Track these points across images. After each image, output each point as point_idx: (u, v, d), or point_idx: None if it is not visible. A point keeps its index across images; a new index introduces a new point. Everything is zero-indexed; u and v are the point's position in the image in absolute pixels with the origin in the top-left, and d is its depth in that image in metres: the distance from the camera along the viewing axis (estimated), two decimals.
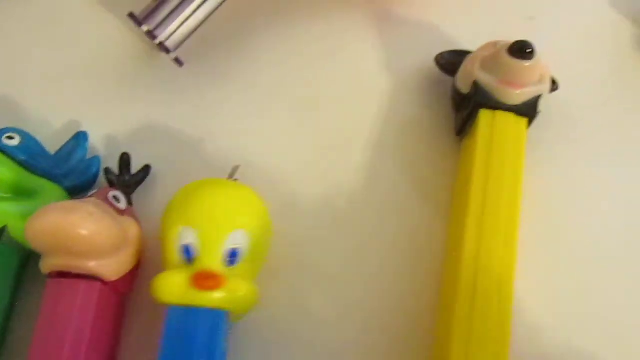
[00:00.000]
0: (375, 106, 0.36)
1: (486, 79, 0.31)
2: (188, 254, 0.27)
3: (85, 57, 0.36)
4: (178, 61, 0.34)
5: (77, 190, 0.32)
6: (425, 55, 0.36)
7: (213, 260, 0.27)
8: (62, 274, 0.27)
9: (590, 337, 0.30)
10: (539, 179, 0.33)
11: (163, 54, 0.34)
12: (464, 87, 0.33)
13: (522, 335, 0.29)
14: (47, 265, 0.27)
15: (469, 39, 0.35)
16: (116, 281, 0.28)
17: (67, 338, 0.26)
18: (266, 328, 0.30)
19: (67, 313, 0.27)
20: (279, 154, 0.35)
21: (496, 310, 0.27)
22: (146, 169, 0.33)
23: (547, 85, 0.32)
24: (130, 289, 0.30)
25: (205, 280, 0.26)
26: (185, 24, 0.34)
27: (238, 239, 0.27)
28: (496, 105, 0.31)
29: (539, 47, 0.31)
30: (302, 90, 0.36)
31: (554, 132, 0.35)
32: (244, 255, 0.28)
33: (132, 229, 0.29)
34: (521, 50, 0.30)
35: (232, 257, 0.27)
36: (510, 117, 0.32)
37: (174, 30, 0.33)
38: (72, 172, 0.32)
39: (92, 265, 0.27)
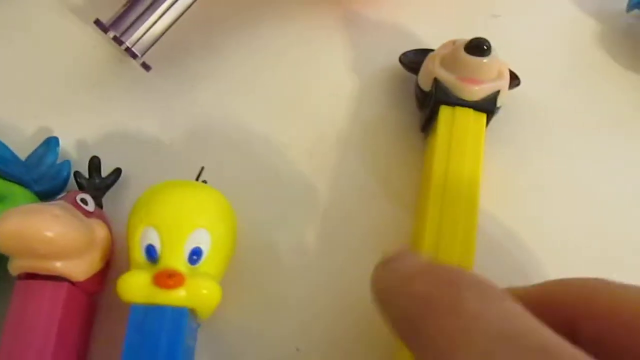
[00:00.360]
0: (342, 106, 0.37)
1: (445, 76, 0.32)
2: (151, 254, 0.28)
3: (54, 63, 0.37)
4: (145, 66, 0.35)
5: (48, 194, 0.32)
6: (391, 55, 0.37)
7: (175, 260, 0.27)
8: (31, 276, 0.28)
9: None
10: (498, 172, 0.34)
11: (132, 59, 0.35)
12: (426, 85, 0.34)
13: None
14: (15, 267, 0.28)
15: (434, 38, 0.36)
16: (85, 282, 0.29)
17: (34, 339, 0.27)
18: (233, 325, 0.31)
19: (35, 314, 0.27)
20: (247, 157, 0.35)
21: None
22: (117, 172, 0.34)
23: (506, 81, 0.33)
24: (99, 290, 0.30)
25: (166, 278, 0.27)
26: (152, 29, 0.34)
27: (200, 238, 0.28)
28: (456, 102, 0.32)
29: (502, 44, 0.32)
30: (270, 92, 0.37)
31: (514, 126, 0.35)
32: (206, 254, 0.28)
33: (99, 230, 0.30)
34: (478, 47, 0.31)
35: (195, 256, 0.28)
36: (469, 113, 0.32)
37: (141, 35, 0.34)
38: (42, 177, 0.33)
39: (59, 266, 0.28)
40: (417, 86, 0.35)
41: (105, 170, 0.33)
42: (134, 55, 0.34)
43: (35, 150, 0.34)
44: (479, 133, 0.32)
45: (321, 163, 0.35)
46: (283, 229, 0.33)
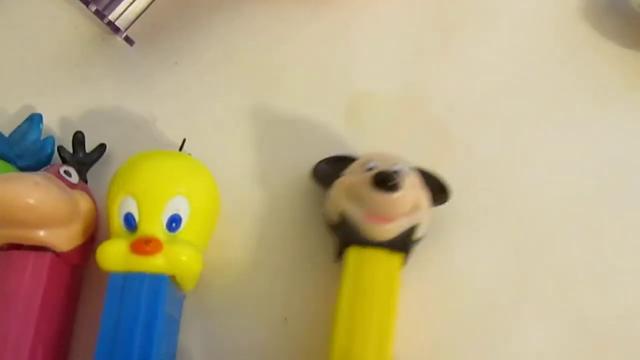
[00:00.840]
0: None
1: (352, 212, 0.28)
2: (130, 223, 0.27)
3: (37, 43, 0.37)
4: (128, 40, 0.34)
5: (32, 170, 0.32)
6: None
7: (153, 227, 0.27)
8: (14, 247, 0.28)
9: None
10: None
11: (115, 38, 0.34)
12: (333, 216, 0.29)
13: None
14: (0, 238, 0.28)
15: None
16: (69, 253, 0.28)
17: (17, 308, 0.27)
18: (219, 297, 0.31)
19: (18, 284, 0.27)
20: (230, 131, 0.35)
21: None
22: (101, 148, 0.33)
23: (424, 211, 0.28)
24: (84, 263, 0.30)
25: (143, 245, 0.26)
26: (135, 4, 0.34)
27: (178, 205, 0.28)
28: (365, 242, 0.28)
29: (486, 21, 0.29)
30: (251, 69, 0.37)
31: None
32: (185, 221, 0.28)
33: (83, 202, 0.29)
34: (384, 182, 0.27)
35: (173, 223, 0.28)
36: (381, 255, 0.28)
37: (124, 9, 0.34)
38: (26, 152, 0.33)
39: (42, 235, 0.27)
40: (325, 214, 0.30)
41: (89, 148, 0.33)
42: (117, 30, 0.34)
43: (19, 126, 0.34)
44: (392, 278, 0.28)
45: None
46: (267, 201, 0.33)
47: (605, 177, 0.33)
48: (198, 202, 0.28)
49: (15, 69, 0.36)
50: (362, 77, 0.36)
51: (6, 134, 0.33)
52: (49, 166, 0.31)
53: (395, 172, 0.27)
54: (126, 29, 0.34)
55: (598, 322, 0.30)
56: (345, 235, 0.28)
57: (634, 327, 0.30)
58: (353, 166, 0.30)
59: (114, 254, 0.27)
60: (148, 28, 0.36)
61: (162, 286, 0.27)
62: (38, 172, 0.29)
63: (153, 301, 0.26)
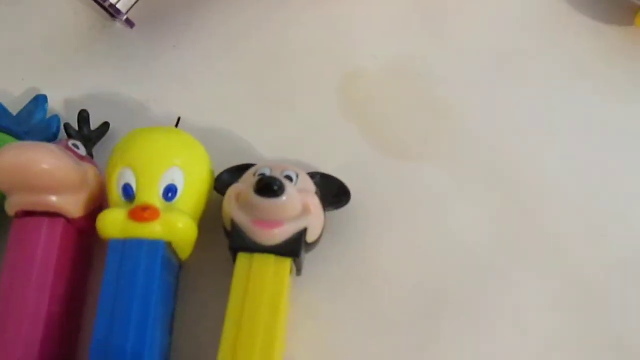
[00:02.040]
0: None
1: (241, 219, 0.29)
2: (128, 193, 0.29)
3: (42, 28, 0.39)
4: (129, 22, 0.36)
5: None
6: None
7: (150, 196, 0.29)
8: (28, 214, 0.30)
9: None
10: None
11: (114, 23, 0.36)
12: (226, 223, 0.30)
13: None
14: (12, 204, 0.29)
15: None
16: (79, 219, 0.30)
17: (33, 272, 0.28)
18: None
19: (33, 248, 0.29)
20: (229, 112, 0.36)
21: None
22: (105, 125, 0.35)
23: (315, 214, 0.29)
24: (93, 230, 0.32)
25: (141, 211, 0.28)
26: None
27: (173, 176, 0.29)
28: (253, 247, 0.29)
29: None
30: (249, 51, 0.38)
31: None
32: (181, 191, 0.29)
33: (91, 172, 0.31)
34: (266, 188, 0.27)
35: (169, 192, 0.29)
36: (269, 260, 0.29)
37: None
38: (33, 130, 0.34)
39: (55, 200, 0.29)
40: (223, 223, 0.30)
41: (93, 127, 0.35)
42: (118, 12, 0.35)
43: (25, 106, 0.35)
44: (280, 282, 0.28)
45: None
46: None
47: (593, 137, 0.36)
48: (192, 173, 0.30)
49: (18, 53, 0.38)
50: (357, 54, 0.38)
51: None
52: (57, 140, 0.33)
53: (276, 178, 0.28)
54: (127, 12, 0.36)
55: (590, 275, 0.32)
56: (236, 242, 0.29)
57: (626, 277, 0.32)
58: (246, 174, 0.31)
59: (113, 222, 0.28)
60: (147, 11, 0.37)
61: (159, 251, 0.28)
62: (49, 143, 0.30)
63: (151, 265, 0.28)
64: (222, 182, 0.32)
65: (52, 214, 0.29)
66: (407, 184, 0.35)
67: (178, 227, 0.29)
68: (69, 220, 0.30)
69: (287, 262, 0.29)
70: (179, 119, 0.34)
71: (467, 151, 0.35)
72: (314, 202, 0.29)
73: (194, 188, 0.30)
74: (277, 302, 0.28)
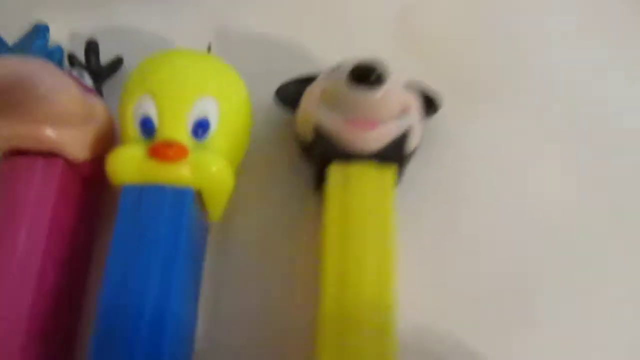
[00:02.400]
0: None
1: (329, 121, 0.23)
2: (147, 127, 0.23)
3: None
4: None
5: None
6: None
7: (176, 131, 0.22)
8: (19, 153, 0.23)
9: None
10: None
11: None
12: (306, 134, 0.24)
13: None
14: (1, 138, 0.23)
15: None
16: (83, 165, 0.24)
17: (24, 220, 0.22)
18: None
19: (25, 193, 0.22)
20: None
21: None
22: (118, 61, 0.29)
23: (414, 115, 0.24)
24: (100, 178, 0.25)
25: (165, 148, 0.22)
26: None
27: (206, 108, 0.23)
28: (348, 155, 0.23)
29: None
30: None
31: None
32: (215, 127, 0.23)
33: (99, 108, 0.25)
34: (363, 76, 0.22)
35: (200, 129, 0.23)
36: (369, 169, 0.23)
37: None
38: None
39: (51, 134, 0.22)
40: (297, 135, 0.25)
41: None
42: None
43: (23, 36, 0.29)
44: (385, 194, 0.23)
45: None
46: None
47: None
48: (230, 106, 0.23)
49: None
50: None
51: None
52: None
53: (375, 62, 0.22)
54: None
55: None
56: (324, 153, 0.23)
57: None
58: (322, 73, 0.25)
59: (128, 161, 0.22)
60: None
61: (187, 201, 0.22)
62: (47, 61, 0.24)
63: (176, 218, 0.21)
64: (289, 93, 0.26)
65: (49, 154, 0.23)
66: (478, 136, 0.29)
67: (211, 171, 0.22)
68: (69, 163, 0.23)
69: (390, 171, 0.23)
70: (210, 45, 0.27)
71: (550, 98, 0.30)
72: (414, 99, 0.24)
73: (230, 125, 0.23)
74: (386, 220, 0.22)
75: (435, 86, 0.27)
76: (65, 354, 0.23)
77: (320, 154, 0.24)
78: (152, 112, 0.23)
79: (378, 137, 0.23)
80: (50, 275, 0.22)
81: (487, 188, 0.28)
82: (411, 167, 0.26)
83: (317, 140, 0.23)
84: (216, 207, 0.24)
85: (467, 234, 0.26)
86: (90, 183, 0.25)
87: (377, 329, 0.21)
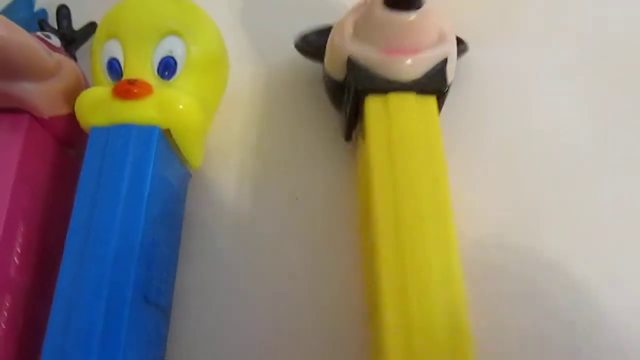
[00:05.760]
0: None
1: (363, 52, 0.22)
2: (113, 68, 0.22)
3: None
4: None
5: None
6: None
7: (141, 70, 0.22)
8: None
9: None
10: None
11: None
12: (337, 72, 0.23)
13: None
14: None
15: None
16: (52, 120, 0.23)
17: None
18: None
19: None
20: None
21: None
22: (92, 25, 0.29)
23: (452, 43, 0.22)
24: (75, 140, 0.25)
25: (128, 85, 0.21)
26: None
27: (171, 46, 0.22)
28: (386, 86, 0.22)
29: None
30: None
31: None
32: (182, 66, 0.22)
33: (68, 65, 0.24)
34: None
35: (167, 70, 0.22)
36: (409, 99, 0.22)
37: None
38: None
39: (14, 90, 0.22)
40: (327, 76, 0.24)
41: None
42: None
43: (9, 3, 0.29)
44: (431, 125, 0.21)
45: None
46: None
47: None
48: (198, 45, 0.23)
49: None
50: None
51: None
52: None
53: None
54: None
55: None
56: (359, 87, 0.22)
57: None
58: (350, 10, 0.23)
59: (93, 103, 0.22)
60: None
61: (153, 138, 0.21)
62: None
63: (142, 157, 0.21)
64: (309, 41, 0.25)
65: (15, 110, 0.23)
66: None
67: (178, 109, 0.22)
68: (37, 120, 0.23)
69: (432, 100, 0.22)
70: None
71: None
72: (450, 26, 0.22)
73: (200, 64, 0.23)
74: (435, 149, 0.21)
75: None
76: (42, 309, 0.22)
77: (355, 91, 0.22)
78: (118, 54, 0.22)
79: (417, 64, 0.22)
80: (19, 229, 0.22)
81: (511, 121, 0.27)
82: None
83: (351, 74, 0.22)
84: (190, 149, 0.23)
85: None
86: (69, 144, 0.25)
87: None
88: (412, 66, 0.22)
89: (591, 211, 0.25)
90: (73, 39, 0.28)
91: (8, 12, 0.29)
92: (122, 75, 0.22)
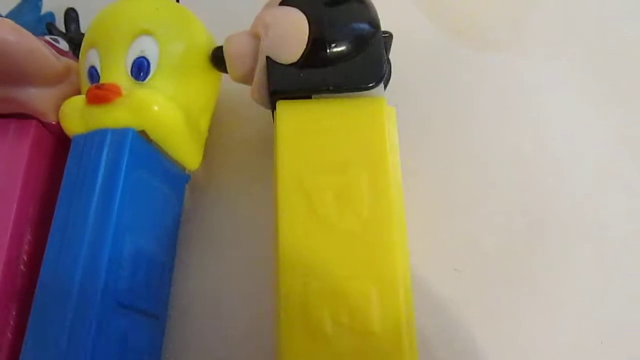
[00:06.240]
0: None
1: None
2: (92, 77, 0.23)
3: None
4: None
5: None
6: None
7: (114, 74, 0.22)
8: None
9: None
10: None
11: None
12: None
13: None
14: None
15: None
16: (60, 127, 0.23)
17: None
18: None
19: None
20: None
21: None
22: None
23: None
24: None
25: (95, 90, 0.21)
26: None
27: (143, 46, 0.22)
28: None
29: None
30: None
31: None
32: (156, 66, 0.22)
33: (76, 69, 0.25)
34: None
35: (141, 71, 0.22)
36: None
37: None
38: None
39: (21, 96, 0.23)
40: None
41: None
42: None
43: (16, 6, 0.30)
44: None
45: None
46: None
47: None
48: (173, 43, 0.23)
49: None
50: None
51: None
52: None
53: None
54: None
55: None
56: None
57: None
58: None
59: (71, 111, 0.22)
60: None
61: (125, 141, 0.21)
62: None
63: (115, 161, 0.21)
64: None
65: (23, 116, 0.23)
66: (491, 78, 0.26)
67: (150, 109, 0.21)
68: (44, 125, 0.24)
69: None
70: None
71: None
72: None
73: (177, 64, 0.23)
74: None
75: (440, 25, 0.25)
76: None
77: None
78: (96, 62, 0.22)
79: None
80: (25, 236, 0.23)
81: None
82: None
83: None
84: (178, 151, 0.23)
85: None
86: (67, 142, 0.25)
87: None
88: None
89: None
90: (81, 43, 0.28)
91: (15, 15, 0.30)
92: (99, 80, 0.22)
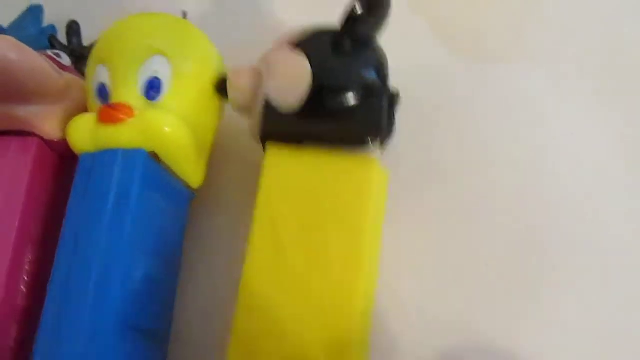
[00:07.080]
0: None
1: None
2: (102, 94, 0.22)
3: None
4: None
5: None
6: None
7: (125, 93, 0.22)
8: None
9: None
10: None
11: None
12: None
13: None
14: None
15: None
16: (62, 144, 0.23)
17: None
18: None
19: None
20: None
21: None
22: None
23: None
24: None
25: (109, 109, 0.21)
26: None
27: (156, 67, 0.22)
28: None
29: None
30: None
31: None
32: (168, 86, 0.22)
33: (77, 86, 0.24)
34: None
35: (152, 88, 0.22)
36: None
37: None
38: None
39: (23, 114, 0.22)
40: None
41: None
42: None
43: (17, 18, 0.30)
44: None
45: None
46: None
47: None
48: (185, 63, 0.22)
49: None
50: None
51: None
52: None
53: None
54: None
55: None
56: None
57: None
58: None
59: (80, 129, 0.22)
60: None
61: (137, 162, 0.21)
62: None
63: (126, 182, 0.21)
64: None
65: (25, 133, 0.23)
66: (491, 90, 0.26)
67: (161, 130, 0.21)
68: (46, 142, 0.23)
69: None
70: (185, 14, 0.26)
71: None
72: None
73: (189, 85, 0.22)
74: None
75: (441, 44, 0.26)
76: None
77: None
78: (106, 79, 0.22)
79: None
80: (26, 253, 0.22)
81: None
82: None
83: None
84: (184, 170, 0.23)
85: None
86: (69, 157, 0.25)
87: None
88: None
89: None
90: (83, 56, 0.28)
91: (16, 27, 0.29)
92: (109, 98, 0.22)
